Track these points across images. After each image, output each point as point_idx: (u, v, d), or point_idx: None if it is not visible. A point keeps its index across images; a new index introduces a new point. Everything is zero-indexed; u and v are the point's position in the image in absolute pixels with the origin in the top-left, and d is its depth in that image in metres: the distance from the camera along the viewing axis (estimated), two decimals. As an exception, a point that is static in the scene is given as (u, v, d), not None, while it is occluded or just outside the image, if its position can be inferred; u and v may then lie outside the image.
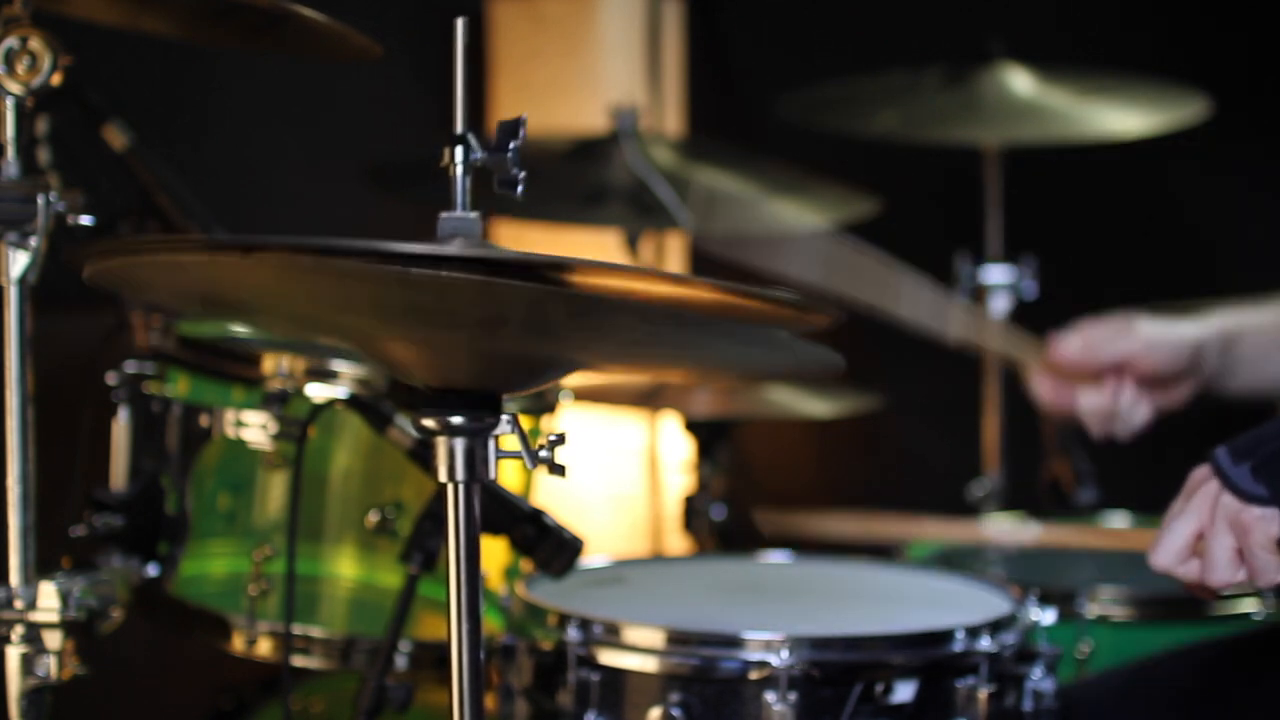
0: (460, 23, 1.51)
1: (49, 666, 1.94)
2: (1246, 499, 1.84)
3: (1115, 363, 2.30)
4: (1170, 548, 1.89)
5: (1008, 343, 2.43)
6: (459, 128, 1.52)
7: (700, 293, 1.41)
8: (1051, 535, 2.20)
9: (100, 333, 2.43)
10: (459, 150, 1.52)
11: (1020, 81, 3.26)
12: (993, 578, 2.33)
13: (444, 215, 1.51)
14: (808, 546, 2.47)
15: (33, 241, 1.92)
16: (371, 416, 2.20)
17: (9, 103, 1.92)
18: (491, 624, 2.30)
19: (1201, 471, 1.89)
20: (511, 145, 1.52)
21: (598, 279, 1.38)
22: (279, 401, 2.29)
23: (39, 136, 2.12)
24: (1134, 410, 2.33)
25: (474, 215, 1.51)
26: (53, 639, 1.94)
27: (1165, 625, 2.53)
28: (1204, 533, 1.88)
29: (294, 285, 1.44)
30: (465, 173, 1.52)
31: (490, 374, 1.50)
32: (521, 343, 1.46)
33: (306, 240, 1.36)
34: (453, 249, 1.36)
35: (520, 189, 1.53)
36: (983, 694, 2.04)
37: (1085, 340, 2.33)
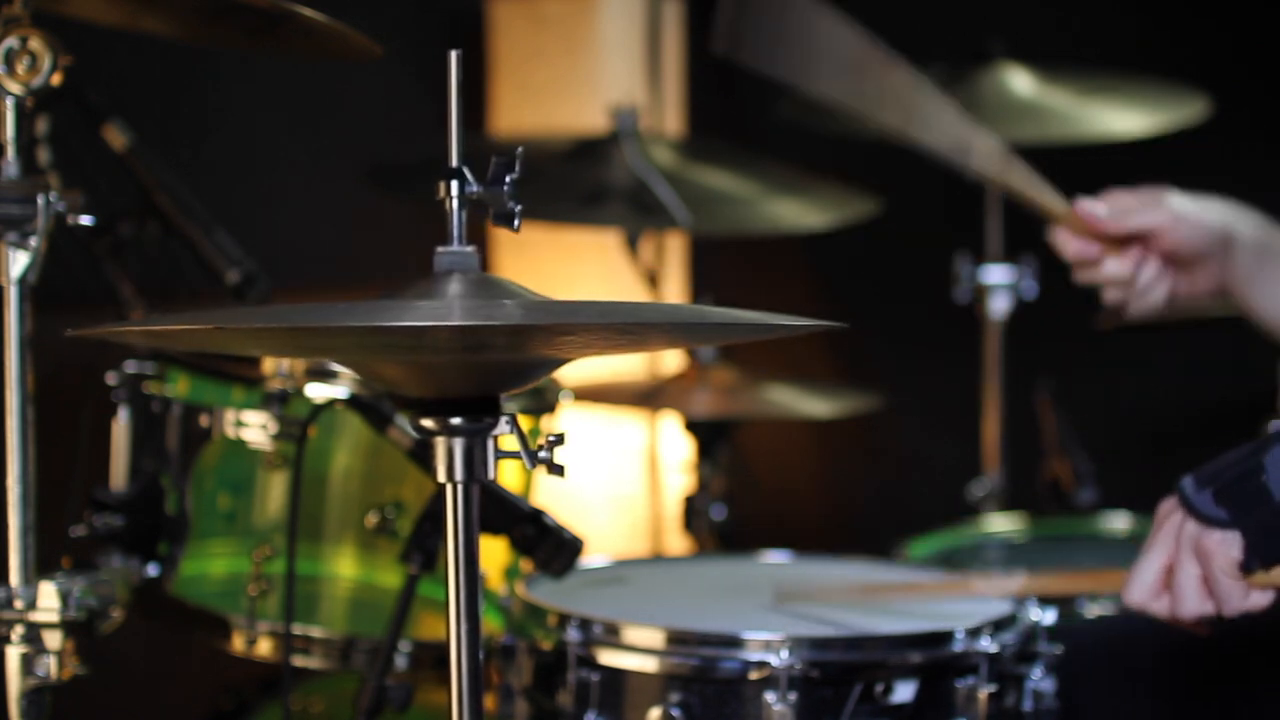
0: (454, 55, 1.51)
1: (49, 666, 1.94)
2: (1208, 522, 1.84)
3: (1140, 232, 2.23)
4: (1142, 583, 1.90)
5: (1033, 188, 2.34)
6: (454, 161, 1.51)
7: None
8: (1034, 585, 2.19)
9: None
10: (454, 184, 1.51)
11: (1020, 81, 3.26)
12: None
13: (440, 250, 1.51)
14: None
15: (33, 241, 1.92)
16: (371, 416, 2.20)
17: (9, 103, 1.92)
18: (491, 624, 2.30)
19: (1169, 504, 1.89)
20: (508, 179, 1.52)
21: (573, 339, 1.40)
22: (279, 401, 2.29)
23: (39, 136, 2.12)
24: (1152, 287, 2.25)
25: (470, 249, 1.51)
26: (53, 639, 1.94)
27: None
28: (1172, 565, 1.88)
29: (274, 337, 1.48)
30: (460, 206, 1.52)
31: (482, 382, 1.50)
32: (509, 354, 1.47)
33: (276, 316, 1.39)
34: (424, 318, 1.37)
35: (517, 223, 1.52)
36: (983, 694, 2.04)
37: (1112, 206, 2.25)
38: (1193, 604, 1.86)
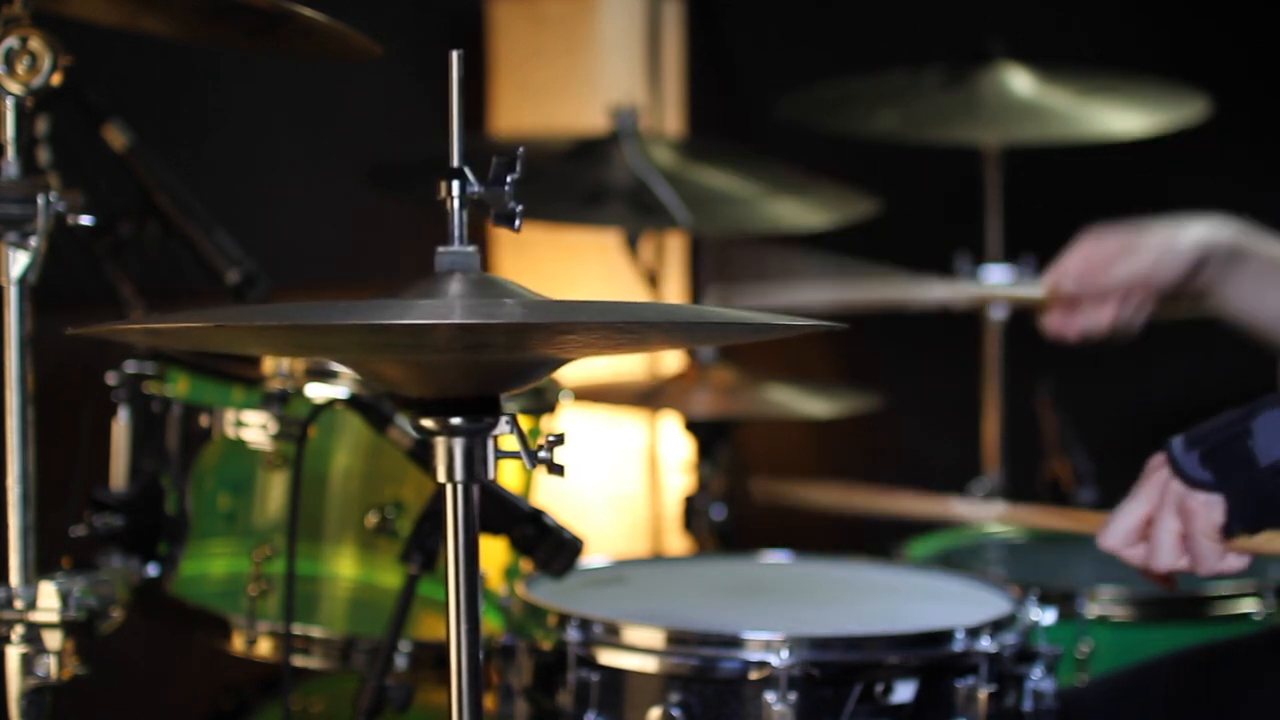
0: (455, 55, 1.51)
1: (49, 666, 1.94)
2: (1192, 484, 1.85)
3: (1125, 284, 2.28)
4: (1119, 529, 1.92)
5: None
6: (455, 161, 1.51)
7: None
8: (1018, 515, 2.22)
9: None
10: (455, 184, 1.51)
11: (1020, 81, 3.26)
12: (993, 577, 2.33)
13: (441, 250, 1.51)
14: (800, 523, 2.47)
15: (33, 241, 1.92)
16: (371, 416, 2.20)
17: (9, 103, 1.92)
18: (491, 624, 2.30)
19: (1158, 459, 1.91)
20: (509, 179, 1.52)
21: (573, 339, 1.41)
22: (279, 401, 2.29)
23: (39, 136, 2.12)
24: (1136, 318, 2.31)
25: (471, 249, 1.51)
26: (53, 639, 1.94)
27: (1165, 625, 2.54)
28: (1153, 517, 1.89)
29: (275, 335, 1.48)
30: (462, 206, 1.52)
31: (482, 382, 1.50)
32: (509, 353, 1.47)
33: (276, 315, 1.39)
34: (425, 317, 1.37)
35: (518, 223, 1.53)
36: (983, 694, 2.04)
37: (1089, 265, 2.30)
38: (1168, 558, 1.88)
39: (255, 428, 2.32)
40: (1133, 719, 2.20)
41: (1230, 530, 1.85)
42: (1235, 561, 1.87)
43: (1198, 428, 1.89)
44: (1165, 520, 1.88)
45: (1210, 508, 1.85)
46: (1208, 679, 2.20)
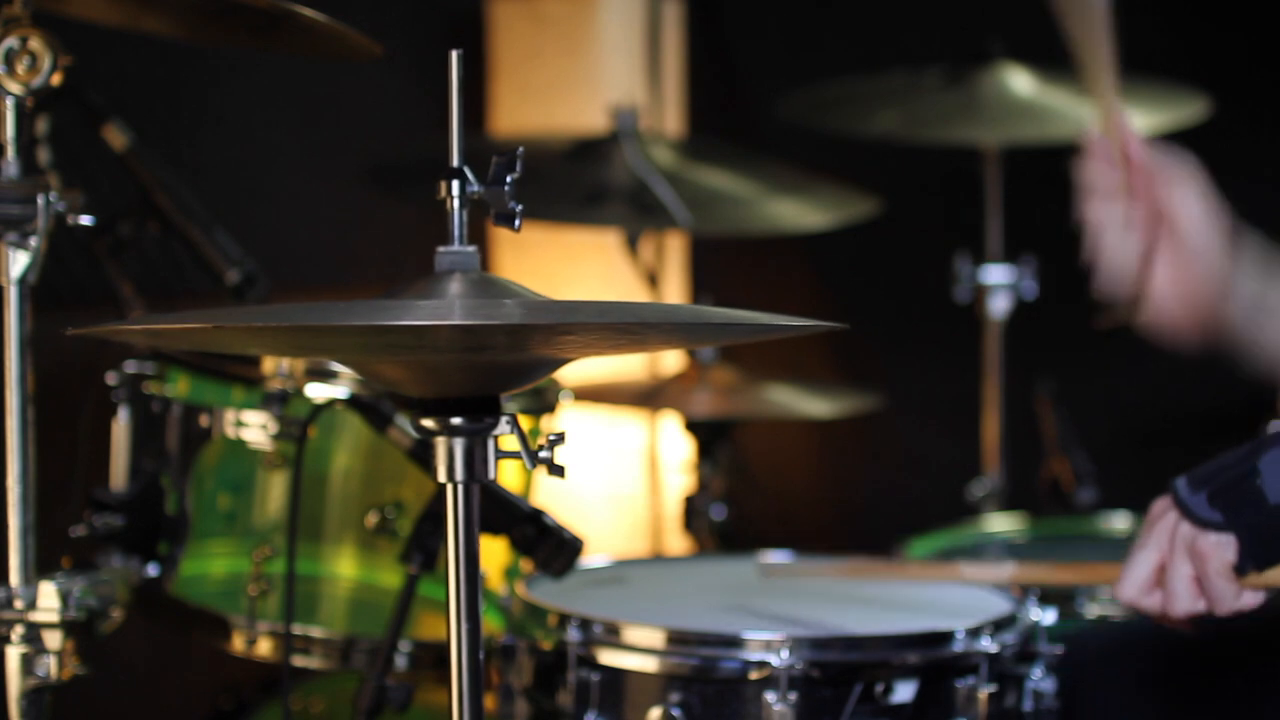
0: (455, 55, 1.51)
1: (49, 666, 1.94)
2: (1202, 525, 1.85)
3: (1163, 195, 2.23)
4: (1134, 580, 1.91)
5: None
6: (455, 160, 1.52)
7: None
8: (1025, 574, 2.21)
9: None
10: (455, 184, 1.51)
11: (1020, 81, 3.26)
12: (993, 578, 2.33)
13: (441, 250, 1.51)
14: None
15: (33, 241, 1.92)
16: (371, 416, 2.20)
17: (9, 103, 1.92)
18: (491, 624, 2.30)
19: (1162, 503, 1.90)
20: (508, 178, 1.52)
21: (573, 339, 1.40)
22: (279, 401, 2.29)
23: (39, 136, 2.12)
24: (1125, 242, 2.25)
25: (471, 249, 1.51)
26: (53, 639, 1.94)
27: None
28: (1164, 563, 1.89)
29: (275, 336, 1.48)
30: (462, 206, 1.52)
31: (482, 382, 1.50)
32: (509, 354, 1.47)
33: (276, 316, 1.40)
34: (425, 318, 1.37)
35: (518, 223, 1.53)
36: (983, 694, 2.04)
37: (1150, 155, 2.25)
38: (1185, 603, 1.88)
39: (255, 428, 2.32)
40: (1129, 669, 2.20)
41: (1242, 568, 1.85)
42: (1251, 598, 1.87)
43: (1200, 468, 1.89)
44: (1178, 565, 1.87)
45: (1222, 548, 1.85)
46: (1204, 648, 2.19)
